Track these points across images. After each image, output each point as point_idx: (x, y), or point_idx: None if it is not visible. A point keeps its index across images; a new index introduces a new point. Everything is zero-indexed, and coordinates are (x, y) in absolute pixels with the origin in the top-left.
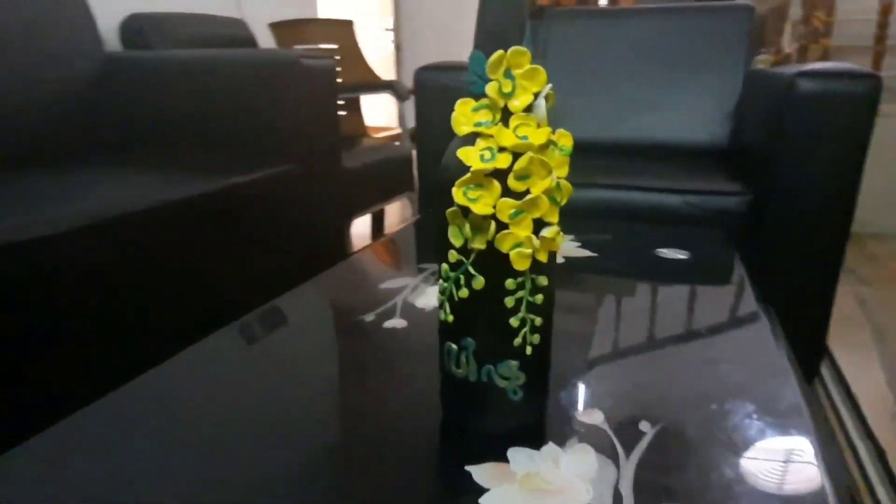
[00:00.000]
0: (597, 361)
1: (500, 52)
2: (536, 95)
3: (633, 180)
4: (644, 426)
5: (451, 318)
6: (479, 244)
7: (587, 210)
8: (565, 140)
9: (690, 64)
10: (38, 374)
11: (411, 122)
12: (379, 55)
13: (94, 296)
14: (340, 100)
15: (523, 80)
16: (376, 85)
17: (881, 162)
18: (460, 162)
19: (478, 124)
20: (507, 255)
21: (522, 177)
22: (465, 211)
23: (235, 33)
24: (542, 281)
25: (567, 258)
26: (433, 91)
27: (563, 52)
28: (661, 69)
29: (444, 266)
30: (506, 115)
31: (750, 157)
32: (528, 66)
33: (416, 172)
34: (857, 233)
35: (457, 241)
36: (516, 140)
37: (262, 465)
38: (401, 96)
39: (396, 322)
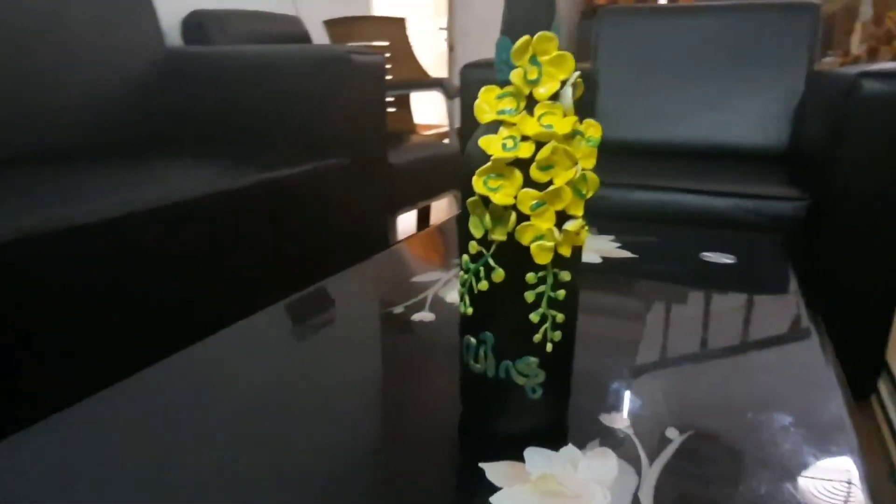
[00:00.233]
0: (626, 364)
1: (526, 37)
2: (563, 83)
3: (683, 182)
4: (671, 433)
5: (470, 310)
6: (499, 235)
7: (636, 212)
8: (593, 131)
9: (750, 64)
10: (89, 351)
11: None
12: (432, 54)
13: (142, 279)
14: (390, 97)
15: (550, 66)
16: (426, 82)
17: None
18: (482, 150)
19: (501, 112)
20: (528, 248)
21: (545, 167)
22: (486, 201)
23: (291, 30)
24: (565, 276)
25: (605, 258)
26: (478, 87)
27: (617, 52)
28: (719, 69)
29: (465, 257)
30: (531, 103)
31: (810, 162)
32: (555, 53)
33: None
34: None
35: (477, 232)
36: (540, 129)
37: (275, 450)
38: (449, 94)
39: (424, 315)
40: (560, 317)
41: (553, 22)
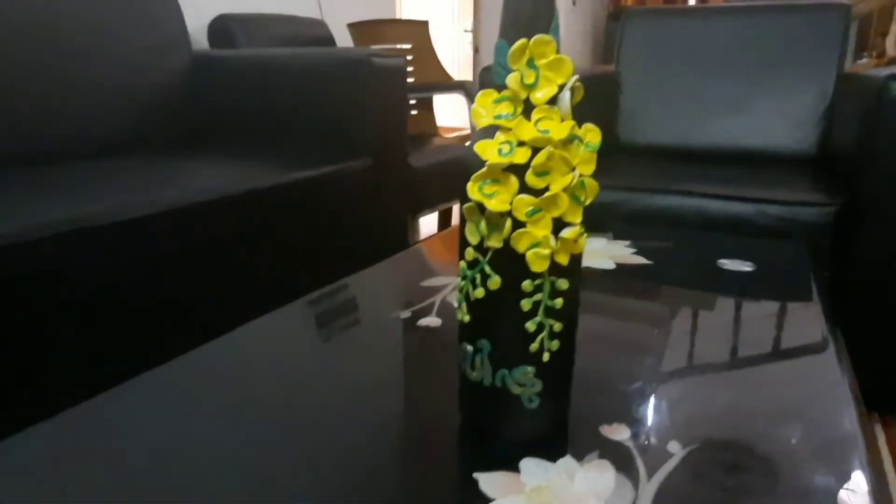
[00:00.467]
0: (631, 373)
1: (523, 40)
2: (562, 87)
3: (705, 187)
4: (673, 447)
5: (467, 318)
6: (495, 242)
7: (657, 216)
8: (592, 136)
9: (777, 66)
10: (114, 346)
11: None
12: (457, 57)
13: (168, 276)
14: (413, 99)
15: (547, 70)
16: (448, 85)
17: None
18: (479, 156)
19: (498, 116)
20: (524, 256)
21: (541, 173)
22: (482, 207)
23: (315, 33)
24: (563, 284)
25: (619, 264)
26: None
27: (641, 54)
28: (746, 71)
29: (462, 264)
30: (528, 107)
31: (838, 166)
32: (552, 56)
33: None
34: None
35: (473, 239)
36: (536, 134)
37: (268, 453)
38: (471, 97)
39: (431, 321)
40: (558, 326)
41: (552, 24)
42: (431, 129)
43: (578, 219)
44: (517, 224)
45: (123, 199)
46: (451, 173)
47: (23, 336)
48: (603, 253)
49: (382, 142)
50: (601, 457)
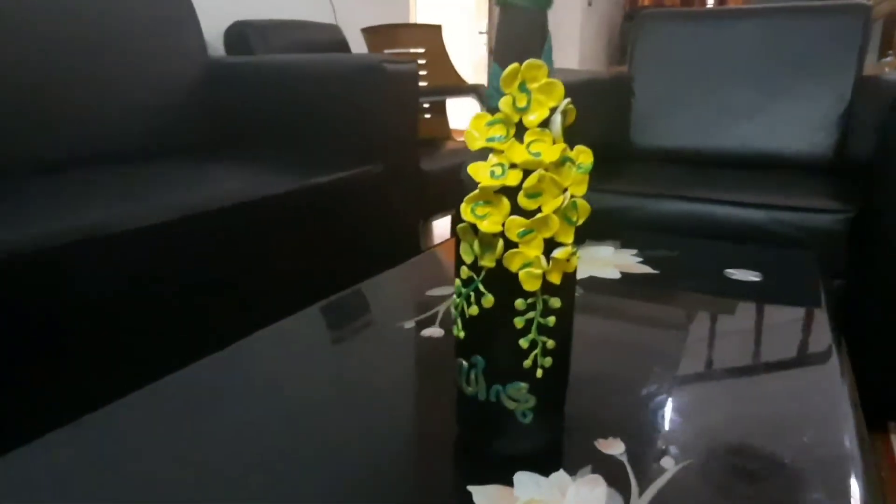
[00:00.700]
0: (629, 387)
1: (515, 65)
2: (553, 110)
3: (716, 193)
4: (667, 462)
5: (462, 334)
6: (488, 262)
7: (667, 223)
8: (584, 157)
9: (794, 69)
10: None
11: None
12: (472, 59)
13: (183, 281)
14: (426, 103)
15: (539, 94)
16: (461, 88)
17: None
18: (472, 177)
19: (491, 139)
20: (517, 275)
21: (533, 195)
22: (476, 228)
23: (330, 38)
24: (555, 303)
25: (624, 274)
26: None
27: (654, 57)
28: (762, 74)
29: (458, 282)
30: (521, 130)
31: (856, 172)
32: (544, 80)
33: None
34: None
35: (467, 258)
36: (528, 157)
37: (266, 461)
38: (484, 100)
39: (434, 331)
40: (551, 343)
41: (544, 48)
42: (444, 133)
43: (570, 239)
44: (509, 244)
45: (141, 206)
46: None
47: (44, 342)
48: (609, 262)
49: (394, 147)
50: (594, 471)
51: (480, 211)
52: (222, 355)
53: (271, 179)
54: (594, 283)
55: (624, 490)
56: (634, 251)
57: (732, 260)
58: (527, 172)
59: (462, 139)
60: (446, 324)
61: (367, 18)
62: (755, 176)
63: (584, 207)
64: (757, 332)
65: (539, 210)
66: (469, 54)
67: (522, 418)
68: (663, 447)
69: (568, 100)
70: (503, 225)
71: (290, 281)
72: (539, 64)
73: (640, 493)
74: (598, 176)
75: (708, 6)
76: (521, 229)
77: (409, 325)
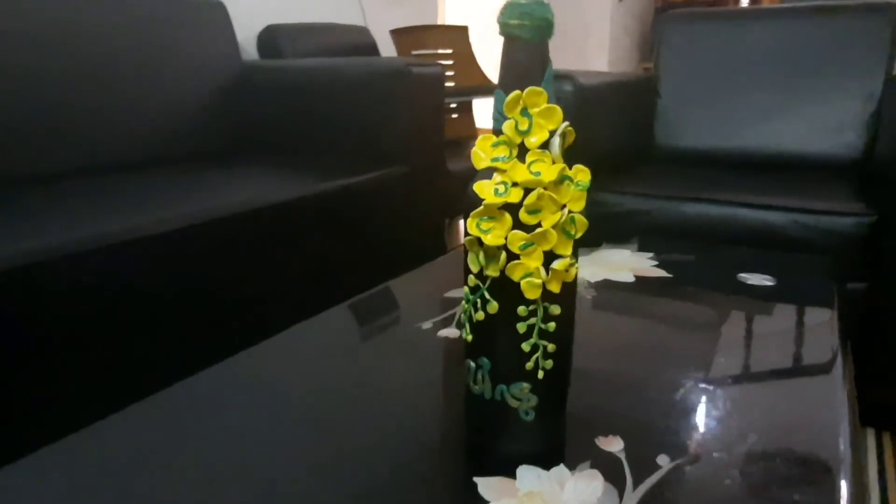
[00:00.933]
0: (633, 388)
1: (517, 92)
2: (552, 133)
3: (737, 196)
4: (662, 460)
5: (470, 337)
6: (492, 272)
7: (688, 225)
8: (582, 176)
9: (821, 69)
10: (154, 352)
11: None
12: (500, 57)
13: (215, 282)
14: (453, 103)
15: (539, 118)
16: (487, 89)
17: None
18: (478, 195)
19: (495, 159)
20: (519, 284)
21: (533, 211)
22: (482, 240)
23: (359, 40)
24: (555, 310)
25: (638, 277)
26: None
27: (680, 57)
28: (789, 74)
29: (466, 289)
30: (523, 151)
31: (883, 174)
32: (544, 106)
33: None
34: None
35: (474, 267)
36: (528, 176)
37: (280, 454)
38: None
39: (449, 332)
40: (551, 347)
41: (545, 76)
42: (471, 133)
43: (568, 251)
44: (512, 256)
45: (171, 211)
46: None
47: (77, 343)
48: (624, 265)
49: (420, 149)
50: (593, 466)
51: (485, 225)
52: (253, 351)
53: (300, 182)
54: (608, 287)
55: (619, 484)
56: (651, 255)
57: (748, 264)
58: (528, 190)
59: None
60: (462, 325)
61: (396, 20)
62: (779, 178)
63: (582, 222)
64: (763, 336)
65: (539, 225)
66: (497, 53)
67: (525, 416)
68: (660, 445)
69: (566, 123)
70: (506, 238)
71: (319, 281)
72: (539, 91)
73: (635, 487)
74: (621, 178)
75: (744, 4)
76: (523, 242)
77: (427, 325)
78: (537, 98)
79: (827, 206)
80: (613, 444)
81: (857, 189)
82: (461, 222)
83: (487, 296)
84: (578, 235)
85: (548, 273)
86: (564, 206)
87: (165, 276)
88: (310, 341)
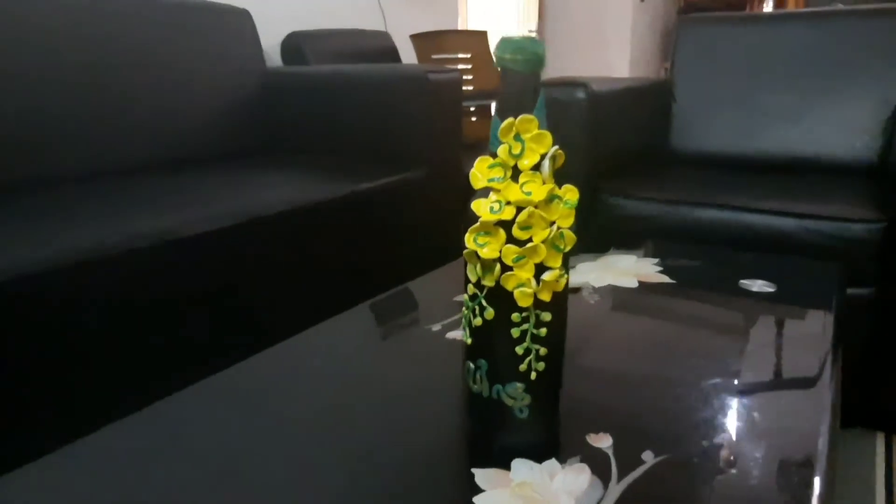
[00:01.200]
0: (626, 388)
1: (510, 119)
2: (543, 157)
3: (748, 201)
4: (647, 456)
5: (469, 340)
6: (489, 282)
7: (699, 231)
8: (571, 195)
9: (839, 73)
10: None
11: None
12: None
13: (238, 284)
14: (472, 106)
15: (531, 143)
16: None
17: None
18: (475, 212)
19: (491, 180)
20: (512, 293)
21: (525, 227)
22: (478, 253)
23: (380, 45)
24: (546, 317)
25: (642, 283)
26: (547, 105)
27: (697, 60)
28: (806, 78)
29: (465, 296)
30: (516, 172)
31: None
32: (535, 132)
33: None
34: None
35: (472, 277)
36: (521, 195)
37: (308, 439)
38: None
39: (457, 334)
40: (543, 350)
41: (537, 104)
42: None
43: (558, 263)
44: (506, 268)
45: (191, 214)
46: None
47: (107, 340)
48: (629, 271)
49: (438, 153)
50: (582, 461)
51: (481, 240)
52: (272, 351)
53: (320, 186)
54: (611, 291)
55: (605, 478)
56: (656, 260)
57: (753, 270)
58: (520, 208)
59: None
60: None
61: (417, 24)
62: (793, 182)
63: (570, 237)
64: (756, 341)
65: (531, 240)
66: None
67: (519, 414)
68: (647, 443)
69: (556, 147)
70: (500, 252)
71: (338, 282)
72: (531, 118)
73: (619, 480)
74: (634, 182)
75: (767, 9)
76: (515, 256)
77: (437, 327)
78: (529, 125)
79: (836, 211)
80: (603, 441)
81: (870, 194)
82: None
83: (484, 303)
84: (567, 249)
85: (539, 283)
86: (554, 222)
87: (190, 279)
88: (324, 342)
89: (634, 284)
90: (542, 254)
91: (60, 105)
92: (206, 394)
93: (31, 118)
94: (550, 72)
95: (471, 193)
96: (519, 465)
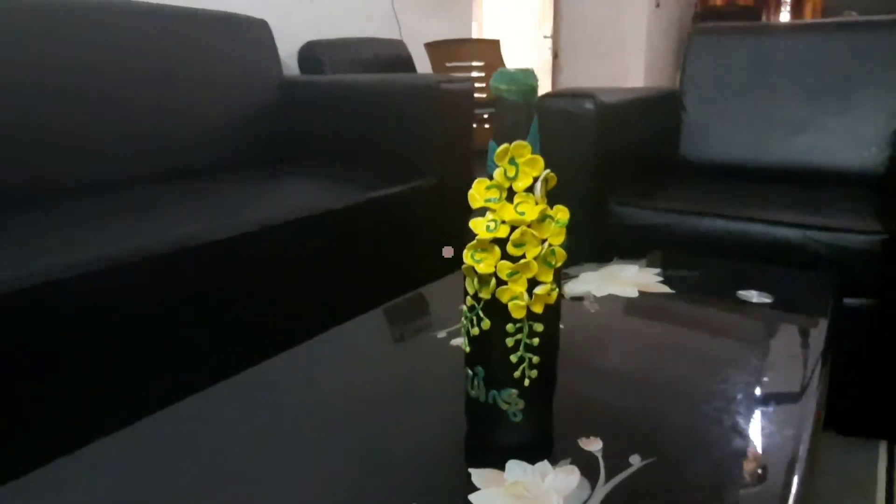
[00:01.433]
0: (620, 395)
1: (505, 145)
2: (536, 179)
3: (751, 211)
4: (634, 459)
5: (468, 348)
6: (485, 295)
7: (703, 241)
8: (562, 215)
9: (847, 84)
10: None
11: None
12: (537, 62)
13: (250, 291)
14: (485, 113)
15: (525, 166)
16: None
17: None
18: (473, 231)
19: (488, 200)
20: (507, 305)
21: (519, 244)
22: (475, 268)
23: (395, 53)
24: (538, 327)
25: (642, 292)
26: (555, 116)
27: (707, 71)
28: (814, 89)
29: (464, 308)
30: (511, 194)
31: None
32: (528, 156)
33: None
34: None
35: (470, 290)
36: (515, 215)
37: (318, 437)
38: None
39: (461, 341)
40: (536, 359)
41: (530, 131)
42: None
43: (549, 278)
44: (500, 282)
45: (216, 220)
46: None
47: (128, 348)
48: (630, 281)
49: (449, 161)
50: (573, 463)
51: (478, 256)
52: (285, 356)
53: (333, 194)
54: (611, 301)
55: (594, 479)
56: (658, 270)
57: (752, 281)
58: (514, 227)
59: None
60: None
61: (431, 32)
62: (799, 192)
63: (561, 254)
64: (747, 350)
65: (524, 256)
66: (534, 58)
67: (514, 418)
68: (635, 447)
69: (548, 171)
70: (496, 267)
71: (351, 289)
72: (524, 144)
73: (606, 481)
74: (642, 191)
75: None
76: (509, 271)
77: (442, 334)
78: (523, 150)
79: (838, 222)
80: (594, 445)
81: (875, 206)
82: None
83: (481, 314)
84: (558, 265)
85: (531, 297)
86: (545, 240)
87: (207, 286)
88: (333, 347)
89: (634, 294)
90: (535, 269)
91: (81, 115)
92: (222, 396)
93: (54, 129)
94: (567, 76)
95: (469, 213)
96: (513, 465)
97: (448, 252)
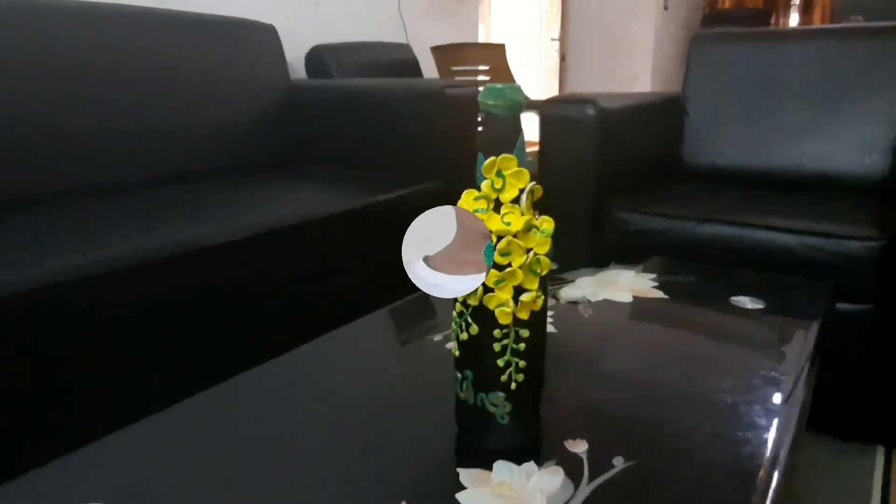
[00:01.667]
0: (607, 398)
1: (493, 158)
2: (522, 191)
3: (750, 217)
4: (617, 461)
5: (457, 352)
6: (473, 301)
7: (702, 246)
8: (547, 225)
9: (850, 90)
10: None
11: None
12: (545, 64)
13: (257, 294)
14: None
15: (511, 179)
16: None
17: None
18: None
19: (476, 211)
20: (494, 311)
21: (504, 253)
22: None
23: (401, 57)
24: (524, 333)
25: (636, 297)
26: (557, 121)
27: (709, 77)
28: (818, 96)
29: (454, 313)
30: (498, 204)
31: None
32: (514, 169)
33: None
34: None
35: (459, 297)
36: (501, 225)
37: (313, 437)
38: (542, 115)
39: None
40: (522, 363)
41: (517, 144)
42: None
43: (535, 286)
44: (488, 289)
45: (223, 223)
46: None
47: (130, 349)
48: (626, 286)
49: (453, 165)
50: (558, 464)
51: None
52: (279, 360)
53: (339, 198)
54: (605, 306)
55: (577, 479)
56: (653, 276)
57: (747, 287)
58: (501, 237)
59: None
60: None
61: (438, 36)
62: (801, 199)
63: (546, 263)
64: (736, 355)
65: (510, 265)
66: (542, 60)
67: (501, 420)
68: (618, 449)
69: (533, 182)
70: None
71: (356, 292)
72: (511, 157)
73: (589, 481)
74: (643, 197)
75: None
76: (496, 279)
77: (438, 337)
78: (509, 163)
79: (836, 228)
80: (579, 446)
81: (874, 212)
82: None
83: (470, 320)
84: (543, 273)
85: (517, 304)
86: (531, 249)
87: (215, 287)
88: (332, 350)
89: (629, 299)
90: (520, 277)
91: (90, 119)
92: (221, 397)
93: (63, 132)
94: (574, 79)
95: None
96: (500, 466)
97: None
